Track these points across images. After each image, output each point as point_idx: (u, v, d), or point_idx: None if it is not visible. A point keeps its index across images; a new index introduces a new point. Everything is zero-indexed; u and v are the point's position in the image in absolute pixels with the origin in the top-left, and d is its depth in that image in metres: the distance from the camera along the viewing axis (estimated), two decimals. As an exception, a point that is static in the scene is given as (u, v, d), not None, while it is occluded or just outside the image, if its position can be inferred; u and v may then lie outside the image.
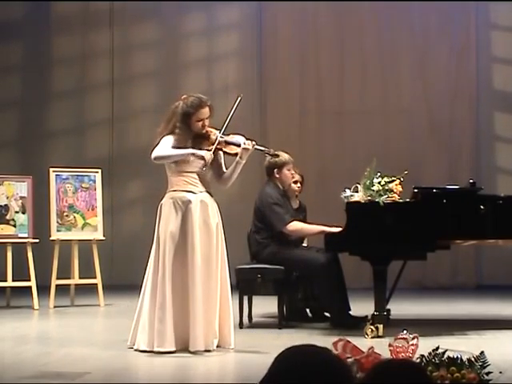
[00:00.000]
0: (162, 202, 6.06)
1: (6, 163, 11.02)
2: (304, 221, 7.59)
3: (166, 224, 5.94)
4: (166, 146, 5.98)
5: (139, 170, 11.08)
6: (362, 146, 10.77)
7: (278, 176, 7.39)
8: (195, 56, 11.62)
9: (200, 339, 5.80)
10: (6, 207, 9.03)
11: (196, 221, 5.91)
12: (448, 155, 11.09)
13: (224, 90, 11.41)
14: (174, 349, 5.81)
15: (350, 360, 4.18)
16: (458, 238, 6.89)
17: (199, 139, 6.08)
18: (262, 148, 6.30)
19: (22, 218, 9.04)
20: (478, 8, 11.17)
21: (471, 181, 6.94)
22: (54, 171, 9.20)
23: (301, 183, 7.73)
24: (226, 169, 6.24)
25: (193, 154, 5.94)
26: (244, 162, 6.10)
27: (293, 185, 7.59)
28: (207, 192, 6.07)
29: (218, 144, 6.04)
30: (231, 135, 6.15)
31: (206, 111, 6.04)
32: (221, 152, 6.14)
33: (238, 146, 6.10)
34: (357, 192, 6.66)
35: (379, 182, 6.56)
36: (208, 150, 6.00)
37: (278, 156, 6.41)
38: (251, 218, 7.61)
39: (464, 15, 11.20)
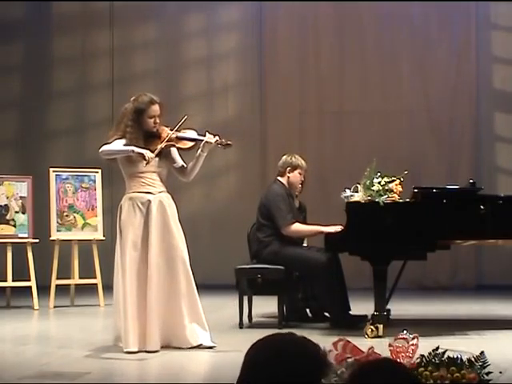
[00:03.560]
0: (121, 203, 6.13)
1: (6, 163, 11.02)
2: (304, 221, 7.60)
3: (127, 227, 5.99)
4: (113, 144, 6.06)
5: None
6: (362, 146, 10.76)
7: (289, 175, 7.45)
8: (195, 56, 11.61)
9: (155, 339, 5.84)
10: (6, 207, 9.03)
11: (155, 221, 5.96)
12: (448, 155, 11.08)
13: (224, 90, 11.42)
14: (136, 349, 5.86)
15: (350, 360, 4.18)
16: (458, 237, 6.90)
17: (151, 138, 6.12)
18: (221, 141, 6.28)
19: (22, 218, 9.04)
20: (478, 8, 11.16)
21: (471, 181, 6.94)
22: (54, 171, 9.20)
23: (301, 184, 7.75)
24: (186, 163, 6.28)
25: (132, 151, 5.97)
26: (205, 154, 6.16)
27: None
28: (165, 192, 6.12)
29: (169, 140, 6.07)
30: (183, 130, 6.20)
31: (156, 108, 6.12)
32: (173, 148, 6.18)
33: (191, 140, 6.17)
34: (357, 192, 6.66)
35: (379, 182, 6.56)
36: (153, 150, 6.04)
37: (230, 145, 6.38)
38: (251, 218, 7.62)
39: (464, 15, 11.18)
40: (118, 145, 6.04)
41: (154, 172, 6.09)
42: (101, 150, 6.10)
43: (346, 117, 11.23)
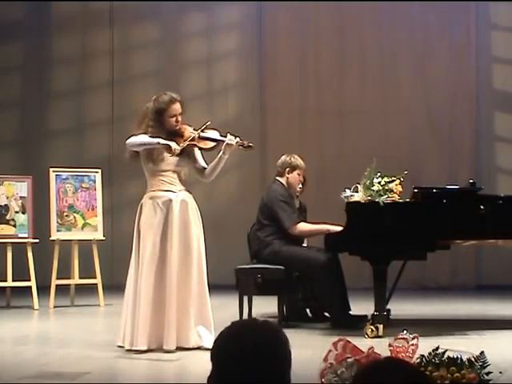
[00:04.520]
0: (142, 201, 6.13)
1: (6, 163, 11.01)
2: (304, 221, 7.60)
3: (148, 226, 5.99)
4: (140, 136, 6.06)
5: (139, 169, 11.04)
6: (362, 146, 10.76)
7: (288, 176, 7.46)
8: (195, 56, 11.61)
9: (173, 339, 5.84)
10: (6, 207, 9.02)
11: (175, 221, 5.96)
12: (448, 155, 11.08)
13: (224, 90, 11.42)
14: (145, 348, 5.85)
15: (349, 360, 4.17)
16: (458, 237, 6.90)
17: (173, 136, 6.12)
18: (242, 142, 6.30)
19: (21, 218, 9.04)
20: (478, 8, 11.17)
21: (471, 181, 6.94)
22: (54, 171, 9.20)
23: (302, 184, 7.74)
24: (207, 164, 6.29)
25: (158, 143, 5.98)
26: (227, 156, 6.16)
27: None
28: (185, 191, 6.12)
29: (191, 140, 6.08)
30: (205, 130, 6.20)
31: (177, 107, 6.11)
32: (196, 148, 6.19)
33: (213, 140, 6.16)
34: (357, 192, 6.66)
35: (379, 182, 6.56)
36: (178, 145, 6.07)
37: (252, 148, 6.41)
38: (251, 218, 7.62)
39: (464, 15, 11.19)
40: (145, 137, 6.04)
41: (175, 171, 6.09)
42: (128, 141, 6.09)
43: (346, 117, 11.23)
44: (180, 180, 6.12)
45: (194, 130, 6.17)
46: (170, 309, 5.86)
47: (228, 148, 6.13)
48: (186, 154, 6.14)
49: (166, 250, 5.92)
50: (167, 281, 5.89)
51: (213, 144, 6.17)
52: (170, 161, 6.07)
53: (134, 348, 5.85)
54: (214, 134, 6.22)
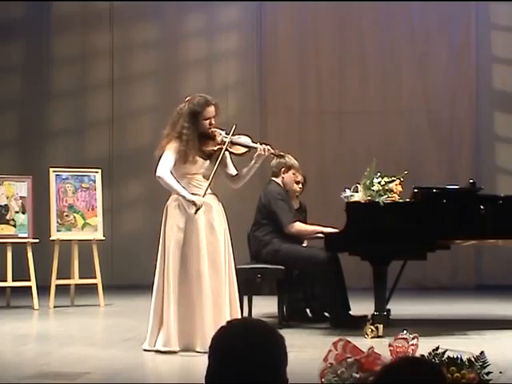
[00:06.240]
0: (168, 203, 6.08)
1: (6, 163, 11.01)
2: (304, 221, 7.61)
3: (172, 227, 5.96)
4: (168, 164, 5.96)
5: (139, 169, 11.08)
6: (362, 146, 10.77)
7: (283, 176, 7.48)
8: (195, 56, 11.61)
9: (209, 340, 5.78)
10: (6, 207, 9.02)
11: (202, 224, 5.94)
12: (448, 155, 11.08)
13: (224, 90, 11.41)
14: (178, 349, 5.82)
15: (350, 360, 4.17)
16: (458, 238, 6.90)
17: (205, 139, 6.10)
18: (273, 151, 6.35)
19: (21, 218, 9.04)
20: (478, 8, 11.16)
21: (471, 181, 6.94)
22: (54, 171, 9.20)
23: (302, 184, 7.74)
24: (236, 169, 6.29)
25: (183, 197, 5.94)
26: (258, 165, 6.21)
27: (294, 185, 7.62)
28: (211, 194, 6.08)
29: (223, 144, 6.08)
30: (237, 135, 6.20)
31: (212, 110, 6.10)
32: (227, 152, 6.18)
33: (245, 146, 6.16)
34: (357, 192, 6.66)
35: (379, 182, 6.56)
36: (207, 151, 6.03)
37: (283, 157, 6.51)
38: (251, 218, 7.62)
39: (464, 15, 11.19)
40: (175, 182, 5.96)
41: (204, 175, 6.07)
42: (158, 175, 5.97)
43: (346, 117, 11.23)
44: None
45: (226, 134, 6.16)
46: (203, 309, 5.81)
47: (261, 157, 6.17)
48: (215, 158, 6.11)
49: (192, 251, 5.88)
50: (194, 281, 5.84)
51: (244, 150, 6.19)
52: (200, 164, 6.05)
53: (166, 349, 5.79)
54: (246, 140, 6.23)
